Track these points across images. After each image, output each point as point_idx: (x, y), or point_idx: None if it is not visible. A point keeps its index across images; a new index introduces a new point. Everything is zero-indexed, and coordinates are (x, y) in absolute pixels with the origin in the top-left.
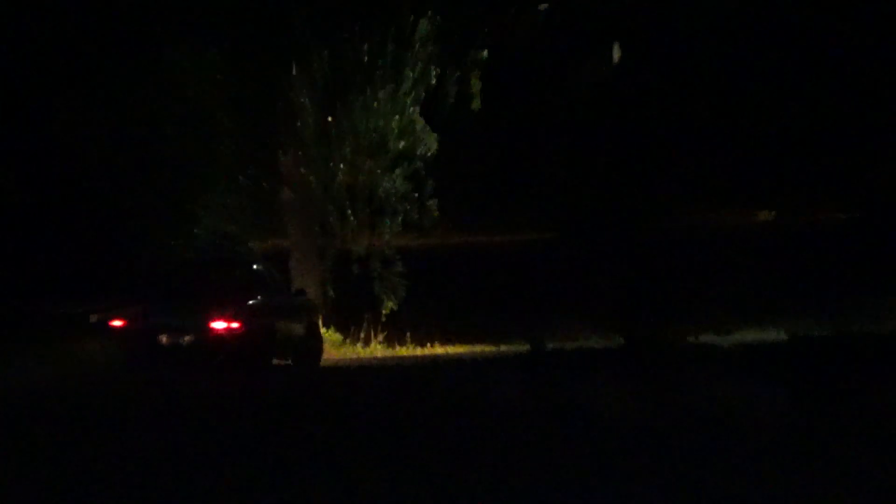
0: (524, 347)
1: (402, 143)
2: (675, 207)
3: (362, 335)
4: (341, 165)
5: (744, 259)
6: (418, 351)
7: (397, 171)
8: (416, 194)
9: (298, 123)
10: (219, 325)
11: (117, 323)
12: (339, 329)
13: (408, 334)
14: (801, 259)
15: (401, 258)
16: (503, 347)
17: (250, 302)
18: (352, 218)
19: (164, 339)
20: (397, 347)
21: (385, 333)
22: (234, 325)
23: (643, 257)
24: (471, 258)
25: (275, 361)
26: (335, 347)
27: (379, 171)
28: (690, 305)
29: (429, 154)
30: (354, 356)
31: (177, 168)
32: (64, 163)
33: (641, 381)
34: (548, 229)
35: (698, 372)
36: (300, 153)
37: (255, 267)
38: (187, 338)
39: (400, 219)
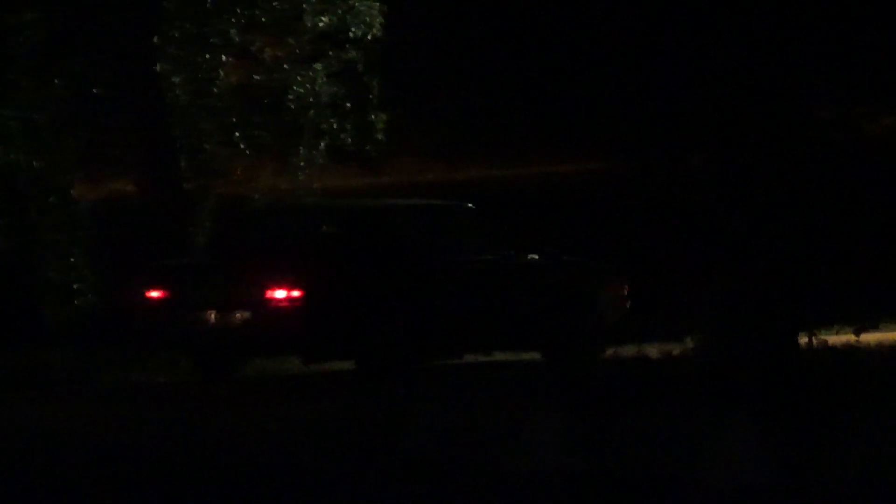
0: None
1: (323, 20)
2: None
3: None
4: (223, 57)
5: None
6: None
7: (318, 65)
8: (349, 104)
9: None
10: (277, 293)
11: (155, 294)
12: None
13: None
14: None
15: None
16: (499, 356)
17: (337, 255)
18: (241, 145)
19: (210, 316)
20: None
21: None
22: (295, 292)
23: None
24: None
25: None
26: None
27: (286, 65)
28: None
29: (369, 37)
30: None
31: None
32: None
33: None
34: (596, 157)
35: None
36: (154, 38)
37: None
38: (239, 314)
39: (323, 144)
